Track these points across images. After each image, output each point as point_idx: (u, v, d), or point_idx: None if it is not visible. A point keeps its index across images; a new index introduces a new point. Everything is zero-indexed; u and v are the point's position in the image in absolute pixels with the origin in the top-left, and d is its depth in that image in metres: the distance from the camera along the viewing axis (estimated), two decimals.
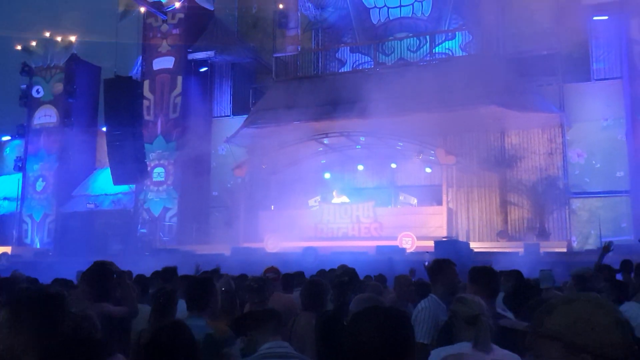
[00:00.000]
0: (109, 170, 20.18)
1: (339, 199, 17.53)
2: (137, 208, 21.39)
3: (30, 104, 24.96)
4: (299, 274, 6.89)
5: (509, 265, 7.76)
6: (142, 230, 20.86)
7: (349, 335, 1.68)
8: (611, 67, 17.40)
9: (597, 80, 17.53)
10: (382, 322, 1.67)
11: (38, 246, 23.07)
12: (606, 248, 6.25)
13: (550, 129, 17.60)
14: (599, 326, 1.35)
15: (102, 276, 4.03)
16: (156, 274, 7.23)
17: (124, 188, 21.47)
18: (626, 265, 6.39)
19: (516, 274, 5.11)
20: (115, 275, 4.07)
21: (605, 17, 17.02)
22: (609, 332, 1.35)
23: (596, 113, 17.12)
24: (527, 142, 17.80)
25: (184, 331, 2.27)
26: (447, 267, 4.29)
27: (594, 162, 17.28)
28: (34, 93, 24.92)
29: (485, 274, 3.98)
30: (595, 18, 17.15)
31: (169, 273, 6.46)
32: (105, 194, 23.06)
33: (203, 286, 3.89)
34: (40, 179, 24.22)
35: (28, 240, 23.72)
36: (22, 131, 25.07)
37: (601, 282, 5.33)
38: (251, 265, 10.52)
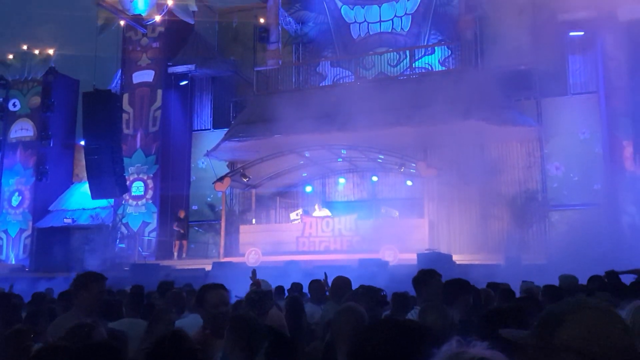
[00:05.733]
0: (86, 184, 19.95)
1: (320, 212, 17.51)
2: (115, 223, 21.12)
3: (6, 117, 24.58)
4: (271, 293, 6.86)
5: (490, 277, 7.79)
6: (120, 245, 20.59)
7: (359, 348, 1.60)
8: (587, 82, 17.71)
9: (573, 94, 17.83)
10: (398, 335, 1.59)
11: (13, 262, 22.65)
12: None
13: (529, 142, 17.84)
14: (612, 334, 1.35)
15: None
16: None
17: (102, 202, 21.21)
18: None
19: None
20: None
21: (581, 33, 17.34)
22: (621, 339, 1.36)
23: (573, 126, 17.39)
24: (506, 155, 18.00)
25: (184, 340, 2.25)
26: (432, 278, 4.28)
27: (571, 175, 17.51)
28: (10, 106, 24.58)
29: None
30: (571, 34, 17.46)
31: (165, 287, 6.45)
32: (83, 209, 22.74)
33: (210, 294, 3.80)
34: (16, 194, 23.82)
35: (3, 256, 23.26)
36: None
37: None
38: (233, 280, 10.42)
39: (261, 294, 4.77)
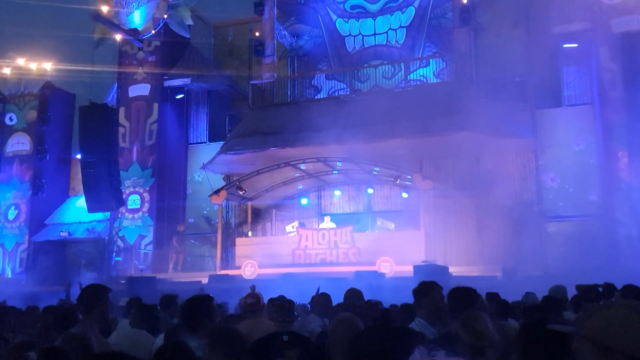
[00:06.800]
0: (83, 198, 19.92)
1: (328, 225, 17.50)
2: (111, 236, 21.07)
3: (3, 131, 24.62)
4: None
5: (488, 289, 7.78)
6: (116, 259, 20.53)
7: (356, 351, 1.65)
8: (582, 93, 17.80)
9: (568, 105, 17.91)
10: (388, 339, 1.63)
11: (9, 276, 22.55)
12: None
13: (524, 154, 17.88)
14: (631, 330, 1.42)
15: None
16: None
17: (98, 216, 21.17)
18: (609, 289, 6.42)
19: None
20: None
21: (575, 45, 17.47)
22: None
23: (568, 138, 17.45)
24: (502, 167, 18.03)
25: (184, 351, 2.26)
26: (433, 290, 4.27)
27: (567, 186, 17.54)
28: (7, 120, 24.61)
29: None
30: (565, 46, 17.58)
31: (168, 300, 6.44)
32: (79, 222, 22.69)
33: (198, 305, 3.80)
34: (13, 208, 23.77)
35: None
36: None
37: None
38: (230, 292, 10.40)
39: (291, 302, 4.81)
